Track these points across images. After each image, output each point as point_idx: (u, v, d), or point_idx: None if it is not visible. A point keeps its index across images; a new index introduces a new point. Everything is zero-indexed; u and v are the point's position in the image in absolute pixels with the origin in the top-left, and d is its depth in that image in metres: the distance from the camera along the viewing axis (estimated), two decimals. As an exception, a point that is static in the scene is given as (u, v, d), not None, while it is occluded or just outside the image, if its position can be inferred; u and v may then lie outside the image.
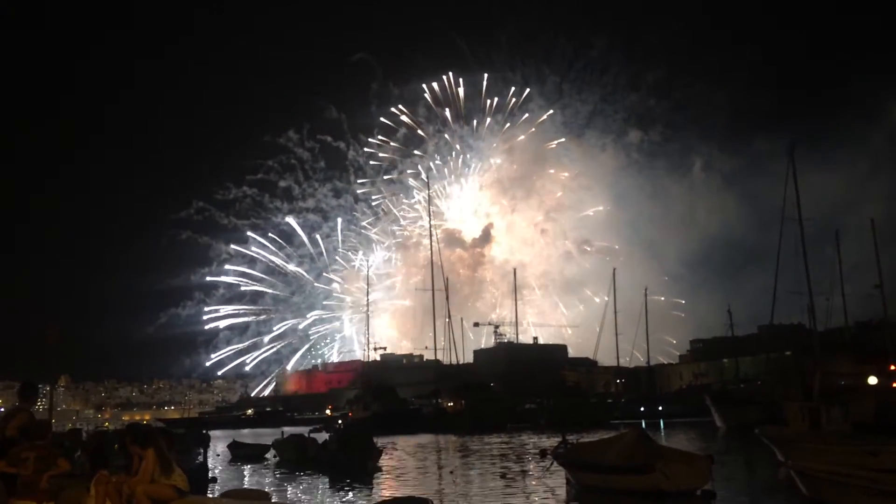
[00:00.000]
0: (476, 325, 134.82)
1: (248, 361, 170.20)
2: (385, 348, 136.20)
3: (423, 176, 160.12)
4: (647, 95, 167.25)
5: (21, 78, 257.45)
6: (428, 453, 40.85)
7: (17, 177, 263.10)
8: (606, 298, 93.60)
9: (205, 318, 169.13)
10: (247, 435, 63.47)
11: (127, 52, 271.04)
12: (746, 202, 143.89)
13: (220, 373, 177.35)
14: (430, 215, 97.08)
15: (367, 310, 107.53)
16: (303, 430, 52.21)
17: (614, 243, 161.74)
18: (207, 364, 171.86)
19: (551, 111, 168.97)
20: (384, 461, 32.37)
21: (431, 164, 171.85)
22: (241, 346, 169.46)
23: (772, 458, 23.62)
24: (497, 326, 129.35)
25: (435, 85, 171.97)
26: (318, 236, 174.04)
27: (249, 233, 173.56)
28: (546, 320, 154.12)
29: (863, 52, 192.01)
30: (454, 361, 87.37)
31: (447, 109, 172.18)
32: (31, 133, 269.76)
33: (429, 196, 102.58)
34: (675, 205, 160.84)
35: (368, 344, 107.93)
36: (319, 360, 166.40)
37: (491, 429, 58.11)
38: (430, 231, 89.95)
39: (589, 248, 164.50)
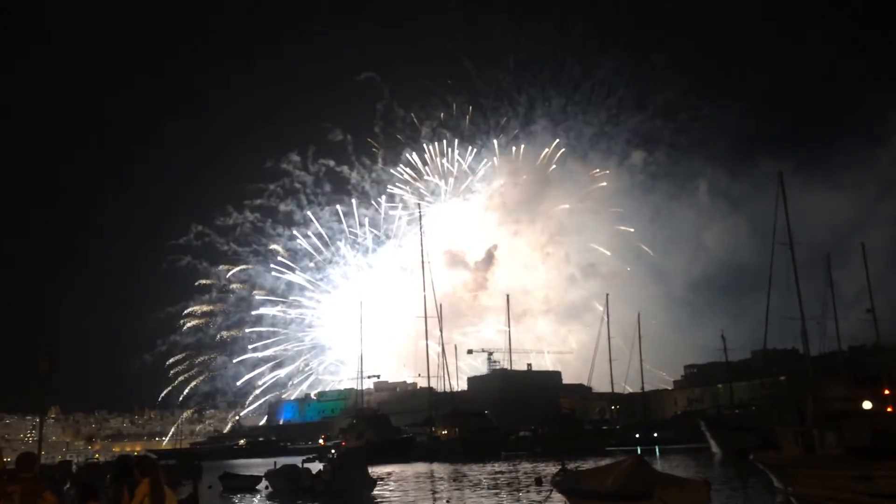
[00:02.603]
0: (469, 352, 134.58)
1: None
2: (378, 376, 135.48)
3: (423, 202, 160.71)
4: (653, 116, 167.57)
5: (23, 102, 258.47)
6: (423, 482, 40.46)
7: (12, 201, 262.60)
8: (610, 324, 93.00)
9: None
10: (239, 465, 62.76)
11: (129, 70, 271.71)
12: (751, 225, 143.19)
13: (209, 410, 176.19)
14: (421, 244, 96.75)
15: (361, 337, 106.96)
16: (296, 459, 51.67)
17: (617, 267, 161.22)
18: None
19: (556, 134, 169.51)
20: (379, 491, 32.06)
21: (433, 184, 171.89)
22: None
23: (768, 484, 23.57)
24: (490, 353, 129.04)
25: (440, 106, 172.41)
26: (315, 263, 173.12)
27: (249, 266, 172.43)
28: (548, 346, 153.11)
29: (871, 74, 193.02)
30: (448, 389, 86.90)
31: (452, 131, 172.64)
32: (26, 153, 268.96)
33: (420, 226, 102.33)
34: (680, 228, 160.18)
35: (362, 372, 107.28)
36: (313, 390, 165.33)
37: (485, 457, 57.63)
38: (423, 258, 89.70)
39: (592, 272, 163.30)
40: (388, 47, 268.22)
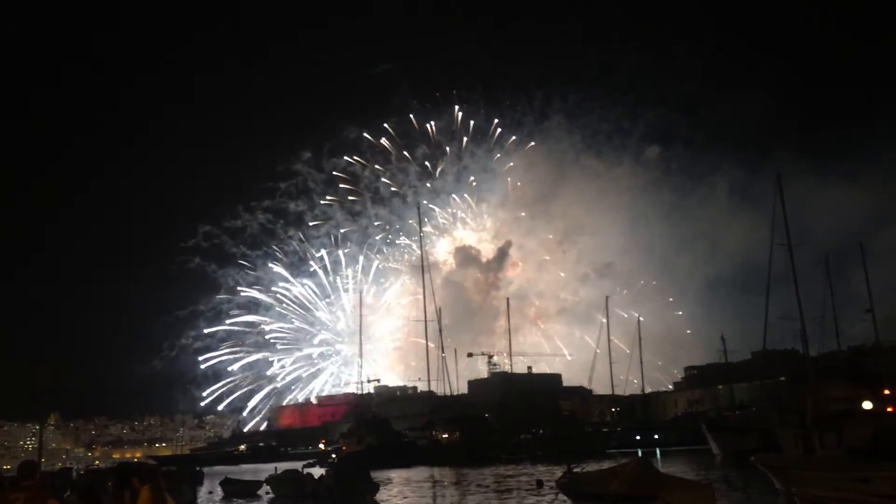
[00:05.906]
0: (470, 355, 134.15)
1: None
2: (378, 380, 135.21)
3: (434, 198, 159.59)
4: (672, 110, 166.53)
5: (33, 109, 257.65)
6: (424, 487, 40.42)
7: (21, 205, 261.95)
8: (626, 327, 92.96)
9: (202, 358, 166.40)
10: (240, 471, 62.62)
11: (135, 67, 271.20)
12: (768, 224, 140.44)
13: (220, 407, 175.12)
14: (422, 247, 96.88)
15: (361, 341, 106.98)
16: (297, 464, 51.61)
17: (631, 266, 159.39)
18: (203, 403, 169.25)
19: (571, 130, 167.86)
20: (381, 496, 32.04)
21: (447, 181, 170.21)
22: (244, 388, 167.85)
23: (769, 486, 23.56)
24: (491, 356, 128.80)
25: (456, 100, 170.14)
26: (326, 264, 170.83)
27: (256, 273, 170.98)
28: (558, 348, 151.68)
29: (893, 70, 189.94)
30: (448, 392, 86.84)
31: (467, 128, 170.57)
32: (40, 162, 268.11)
33: (420, 230, 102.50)
34: (694, 225, 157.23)
35: (362, 376, 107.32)
36: (313, 394, 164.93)
37: (486, 460, 57.58)
38: (423, 260, 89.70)
39: (606, 272, 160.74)
40: (403, 44, 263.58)
